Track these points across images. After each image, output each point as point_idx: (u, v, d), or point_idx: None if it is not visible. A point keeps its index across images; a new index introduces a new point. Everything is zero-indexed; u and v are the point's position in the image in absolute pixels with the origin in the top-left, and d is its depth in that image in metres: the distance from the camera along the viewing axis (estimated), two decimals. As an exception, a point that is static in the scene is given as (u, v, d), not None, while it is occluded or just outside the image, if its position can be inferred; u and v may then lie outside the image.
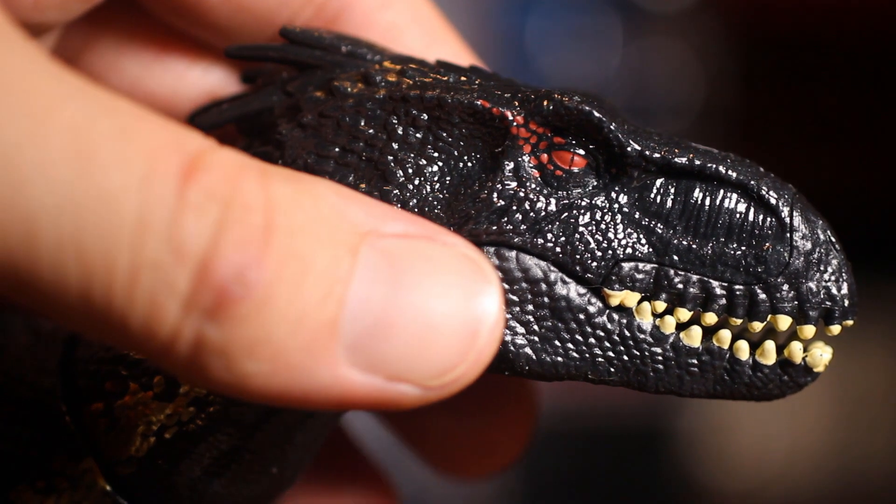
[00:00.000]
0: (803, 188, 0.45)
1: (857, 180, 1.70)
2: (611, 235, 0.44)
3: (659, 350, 0.44)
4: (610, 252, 0.44)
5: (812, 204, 0.45)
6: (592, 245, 0.44)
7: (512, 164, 0.44)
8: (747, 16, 1.75)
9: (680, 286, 0.44)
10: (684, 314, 0.44)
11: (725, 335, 0.44)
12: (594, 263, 0.44)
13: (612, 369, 0.44)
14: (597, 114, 0.44)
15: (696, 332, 0.44)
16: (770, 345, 0.44)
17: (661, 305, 0.44)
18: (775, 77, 1.77)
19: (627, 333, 0.44)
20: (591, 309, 0.44)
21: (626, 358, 0.44)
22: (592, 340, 0.44)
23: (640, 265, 0.44)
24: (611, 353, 0.44)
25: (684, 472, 1.69)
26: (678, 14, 1.73)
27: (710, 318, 0.44)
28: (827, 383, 1.70)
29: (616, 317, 0.44)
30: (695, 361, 0.44)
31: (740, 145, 0.46)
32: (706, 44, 1.72)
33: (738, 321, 0.44)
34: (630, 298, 0.44)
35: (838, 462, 1.72)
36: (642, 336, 0.44)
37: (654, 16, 1.72)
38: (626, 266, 0.44)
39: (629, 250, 0.44)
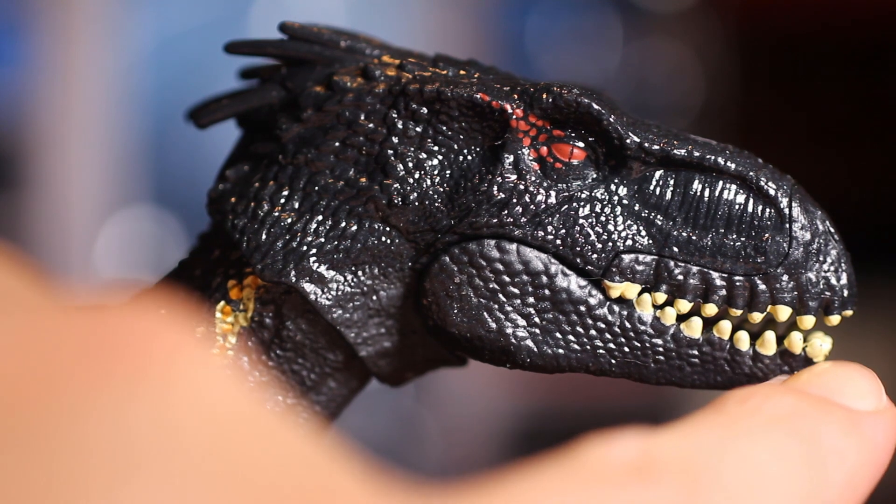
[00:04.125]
0: (802, 185, 0.45)
1: (855, 177, 1.70)
2: (611, 227, 0.44)
3: (660, 341, 0.44)
4: (610, 244, 0.44)
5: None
6: (593, 237, 0.44)
7: (512, 157, 0.44)
8: (746, 16, 1.75)
9: (680, 277, 0.44)
10: (685, 305, 0.44)
11: (726, 326, 0.44)
12: (594, 255, 0.44)
13: (613, 361, 0.44)
14: (596, 106, 0.44)
15: (697, 323, 0.44)
16: (770, 335, 0.44)
17: (661, 297, 0.44)
18: (774, 77, 1.77)
19: (628, 325, 0.44)
20: (592, 301, 0.44)
21: (626, 349, 0.44)
22: (593, 332, 0.44)
23: (641, 257, 0.44)
24: (611, 345, 0.44)
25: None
26: (678, 14, 1.73)
27: (711, 310, 0.44)
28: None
29: (616, 308, 0.44)
30: (695, 352, 0.44)
31: (740, 144, 0.46)
32: (706, 44, 1.72)
33: (739, 312, 0.44)
34: (630, 290, 0.44)
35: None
36: (643, 327, 0.44)
37: (654, 16, 1.73)
38: (627, 258, 0.44)
39: (629, 242, 0.44)
